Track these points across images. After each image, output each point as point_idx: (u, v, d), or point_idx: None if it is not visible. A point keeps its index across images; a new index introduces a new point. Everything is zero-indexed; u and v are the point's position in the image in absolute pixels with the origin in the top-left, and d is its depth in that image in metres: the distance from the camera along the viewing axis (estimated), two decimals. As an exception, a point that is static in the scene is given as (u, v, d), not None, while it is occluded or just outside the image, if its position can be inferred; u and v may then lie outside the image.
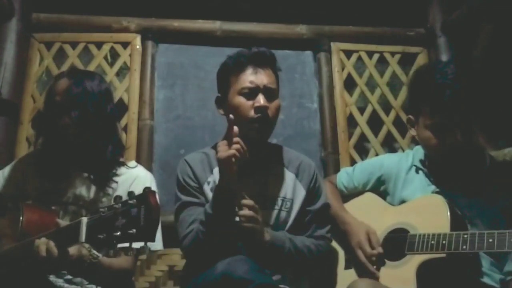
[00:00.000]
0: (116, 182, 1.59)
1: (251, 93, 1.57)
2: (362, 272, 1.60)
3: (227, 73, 1.63)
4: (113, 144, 1.61)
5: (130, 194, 1.05)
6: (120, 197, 1.07)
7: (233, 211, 1.43)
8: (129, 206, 1.03)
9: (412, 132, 1.69)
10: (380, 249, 1.58)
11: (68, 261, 1.27)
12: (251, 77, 1.58)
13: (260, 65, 1.60)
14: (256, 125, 1.55)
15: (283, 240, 1.50)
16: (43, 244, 1.22)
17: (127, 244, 1.04)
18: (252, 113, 1.55)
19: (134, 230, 1.00)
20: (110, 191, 1.57)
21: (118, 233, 1.02)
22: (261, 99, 1.55)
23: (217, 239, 1.43)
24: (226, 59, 1.65)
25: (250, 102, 1.56)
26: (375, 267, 1.57)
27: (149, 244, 1.05)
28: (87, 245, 1.33)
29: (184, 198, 1.57)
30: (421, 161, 1.71)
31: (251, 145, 1.56)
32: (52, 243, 1.22)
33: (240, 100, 1.57)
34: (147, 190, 1.03)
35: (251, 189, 1.54)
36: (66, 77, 1.61)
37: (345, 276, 1.66)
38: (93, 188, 1.57)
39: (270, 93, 1.59)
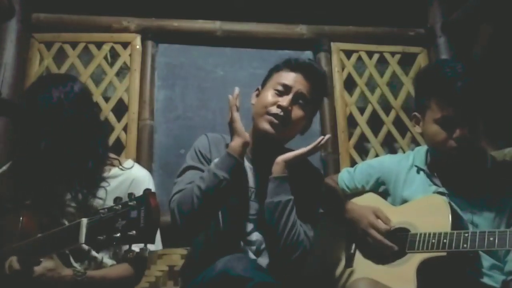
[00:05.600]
0: (108, 184, 1.54)
1: (281, 92, 1.56)
2: (366, 267, 1.59)
3: (273, 69, 1.64)
4: (95, 147, 1.54)
5: (130, 195, 1.06)
6: (120, 198, 1.07)
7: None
8: (129, 207, 1.03)
9: (417, 129, 1.68)
10: (392, 224, 1.58)
11: (34, 279, 1.24)
12: (290, 77, 1.58)
13: (306, 75, 1.58)
14: (274, 120, 1.53)
15: None
16: (8, 261, 1.22)
17: (127, 246, 1.04)
18: (274, 108, 1.53)
19: (134, 232, 1.00)
20: (101, 194, 1.52)
21: (118, 235, 1.02)
22: (286, 100, 1.54)
23: (210, 205, 1.44)
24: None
25: (275, 99, 1.55)
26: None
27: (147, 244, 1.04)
28: (66, 269, 1.33)
29: (191, 162, 1.59)
30: (422, 161, 1.71)
31: (268, 145, 1.59)
32: (15, 260, 1.21)
33: (269, 93, 1.57)
34: (147, 191, 1.03)
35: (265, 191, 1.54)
36: (35, 89, 1.55)
37: (345, 275, 1.66)
38: (83, 192, 1.51)
39: (301, 100, 1.56)
